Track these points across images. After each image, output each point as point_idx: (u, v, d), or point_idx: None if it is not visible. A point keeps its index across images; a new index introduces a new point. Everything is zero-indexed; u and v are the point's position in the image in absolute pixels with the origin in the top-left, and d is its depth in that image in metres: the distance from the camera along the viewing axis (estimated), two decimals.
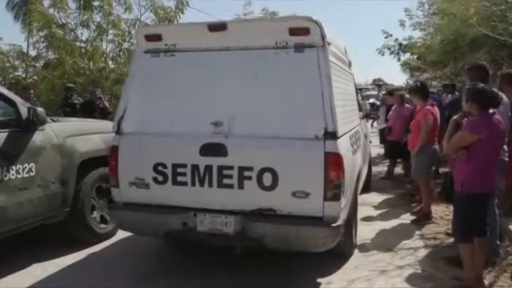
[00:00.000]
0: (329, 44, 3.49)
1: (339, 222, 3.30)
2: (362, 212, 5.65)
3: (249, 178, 3.35)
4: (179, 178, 3.51)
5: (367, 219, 5.54)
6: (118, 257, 4.29)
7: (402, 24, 12.03)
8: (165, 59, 3.75)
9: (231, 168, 3.38)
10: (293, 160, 3.30)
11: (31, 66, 12.47)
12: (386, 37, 12.12)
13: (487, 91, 3.36)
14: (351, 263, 4.08)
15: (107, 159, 4.70)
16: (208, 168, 3.43)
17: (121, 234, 4.89)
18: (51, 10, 11.98)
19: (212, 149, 3.41)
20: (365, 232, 4.92)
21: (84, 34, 12.17)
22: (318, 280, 3.73)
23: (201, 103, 3.58)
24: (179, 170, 3.51)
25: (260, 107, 3.44)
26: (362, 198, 6.43)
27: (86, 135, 4.61)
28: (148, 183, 3.60)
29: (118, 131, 3.74)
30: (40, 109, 4.01)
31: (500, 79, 5.24)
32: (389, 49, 12.28)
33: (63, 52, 11.33)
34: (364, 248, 4.48)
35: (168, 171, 3.53)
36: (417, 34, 12.84)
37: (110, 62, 12.53)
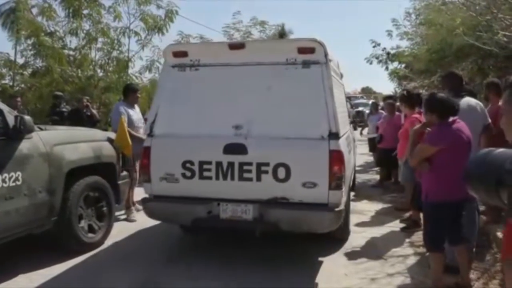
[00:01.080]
0: (329, 60, 4.05)
1: (341, 207, 3.86)
2: (352, 220, 5.67)
3: (266, 172, 3.91)
4: (205, 173, 4.05)
5: (358, 226, 5.55)
6: (105, 267, 4.24)
7: (389, 34, 12.18)
8: (190, 72, 4.28)
9: (250, 164, 3.94)
10: (303, 156, 3.88)
11: (19, 74, 12.35)
12: (374, 46, 12.24)
13: (444, 99, 3.38)
14: (341, 271, 4.08)
15: (95, 168, 4.73)
16: (231, 164, 3.98)
17: (108, 242, 4.85)
18: (39, 18, 11.91)
19: (234, 148, 3.97)
20: (355, 239, 4.93)
21: (73, 42, 12.11)
22: None
23: (223, 110, 4.13)
24: (205, 166, 4.05)
25: (273, 113, 4.01)
26: (352, 205, 6.46)
27: (74, 143, 4.55)
28: (177, 178, 4.12)
29: (150, 134, 4.27)
30: (27, 117, 3.95)
31: (485, 88, 5.38)
32: (377, 58, 12.40)
33: (51, 60, 11.23)
34: (354, 255, 4.49)
35: (195, 168, 4.07)
36: (404, 43, 13.01)
37: (98, 70, 12.46)
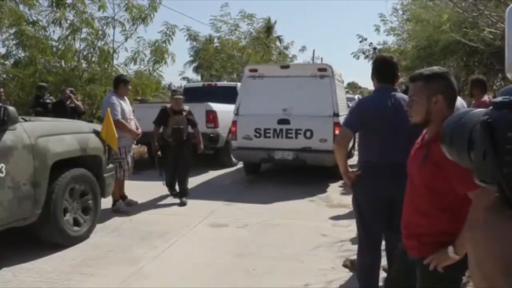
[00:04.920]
0: (334, 74, 7.58)
1: None
2: (339, 214, 5.72)
3: (300, 133, 7.42)
4: (267, 135, 7.59)
5: (344, 220, 5.58)
6: (90, 261, 4.19)
7: (377, 29, 12.24)
8: (258, 80, 7.82)
9: (291, 129, 7.46)
10: (320, 125, 7.30)
11: (0, 64, 12.05)
12: (360, 41, 12.30)
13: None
14: (328, 265, 4.10)
15: (80, 160, 4.66)
16: (281, 129, 7.51)
17: (94, 236, 4.80)
18: (21, 7, 11.62)
19: (283, 121, 7.50)
20: (342, 234, 4.96)
21: (56, 32, 11.86)
22: (296, 283, 3.73)
23: (276, 100, 7.51)
24: (267, 131, 7.59)
25: (304, 102, 7.37)
26: (339, 199, 6.53)
27: (59, 135, 4.46)
28: (251, 137, 7.68)
29: (237, 114, 7.84)
30: (11, 108, 3.85)
31: (470, 84, 5.49)
32: (363, 53, 12.46)
33: (34, 50, 10.98)
34: (341, 249, 4.52)
35: (261, 131, 7.62)
36: (391, 39, 13.08)
37: (83, 61, 12.23)
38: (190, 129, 6.55)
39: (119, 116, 5.81)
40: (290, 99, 7.43)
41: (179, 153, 6.44)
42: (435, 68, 2.06)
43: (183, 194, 6.56)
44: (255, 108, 7.62)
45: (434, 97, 1.96)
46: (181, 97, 6.61)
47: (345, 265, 4.02)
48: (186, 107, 6.64)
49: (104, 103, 6.07)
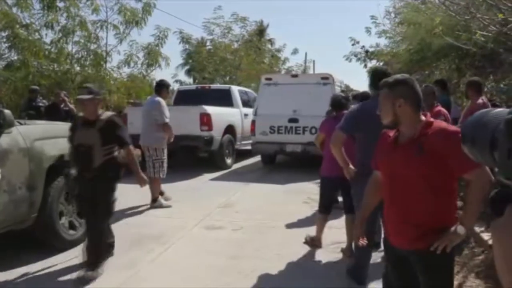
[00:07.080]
0: (335, 82, 9.19)
1: None
2: (333, 216, 5.72)
3: (306, 130, 8.95)
4: (280, 131, 9.24)
5: (339, 222, 5.60)
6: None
7: (368, 31, 12.26)
8: (273, 87, 9.49)
9: (300, 127, 9.09)
10: None
11: None
12: (353, 44, 12.31)
13: (332, 97, 4.79)
14: (324, 266, 4.12)
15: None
16: (291, 127, 9.17)
17: None
18: (14, 10, 11.57)
19: (293, 120, 9.15)
20: (337, 235, 4.98)
21: (48, 35, 11.82)
22: (293, 284, 3.74)
23: (288, 103, 9.06)
24: (280, 128, 9.23)
25: (311, 104, 8.62)
26: None
27: (55, 138, 4.44)
28: (267, 133, 9.29)
29: (255, 114, 9.51)
30: (7, 112, 3.85)
31: (466, 86, 5.55)
32: (356, 56, 12.47)
33: (27, 53, 10.93)
34: (336, 250, 4.54)
35: (275, 128, 9.25)
36: (383, 41, 13.11)
37: (75, 65, 12.19)
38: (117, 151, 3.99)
39: (168, 120, 6.23)
40: (298, 102, 9.04)
41: (91, 192, 3.86)
42: (398, 76, 2.29)
43: (91, 264, 3.81)
44: (270, 109, 9.24)
45: (397, 101, 2.18)
46: (88, 97, 3.81)
47: (305, 242, 4.60)
48: (106, 113, 4.01)
49: (154, 106, 6.29)
